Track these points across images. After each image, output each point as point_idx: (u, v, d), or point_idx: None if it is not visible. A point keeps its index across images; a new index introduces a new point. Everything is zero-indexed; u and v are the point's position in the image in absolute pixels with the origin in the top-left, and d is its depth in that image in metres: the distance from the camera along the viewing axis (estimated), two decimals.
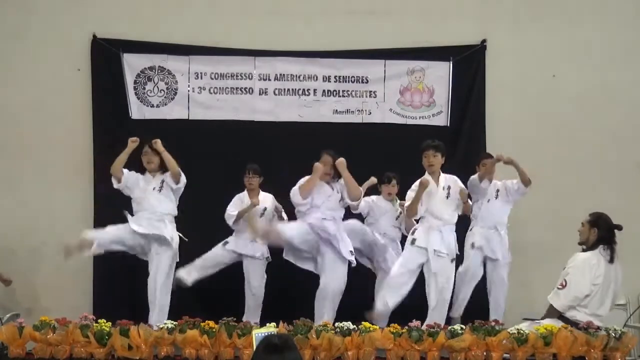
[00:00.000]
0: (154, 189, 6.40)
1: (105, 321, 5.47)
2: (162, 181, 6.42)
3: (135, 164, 6.51)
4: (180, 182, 6.39)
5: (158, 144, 6.37)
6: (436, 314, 6.11)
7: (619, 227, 5.74)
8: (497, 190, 6.79)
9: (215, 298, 6.92)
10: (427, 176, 6.39)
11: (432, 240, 6.26)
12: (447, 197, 6.38)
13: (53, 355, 5.35)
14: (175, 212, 6.50)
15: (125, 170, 6.42)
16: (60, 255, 7.40)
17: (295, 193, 6.39)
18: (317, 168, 6.34)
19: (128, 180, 6.42)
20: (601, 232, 5.73)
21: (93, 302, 7.28)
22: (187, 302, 6.77)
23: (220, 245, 6.89)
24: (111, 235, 6.30)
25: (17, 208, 7.49)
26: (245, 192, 6.91)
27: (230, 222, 6.84)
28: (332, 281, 6.26)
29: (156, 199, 6.39)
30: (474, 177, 6.72)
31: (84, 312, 5.78)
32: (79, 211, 7.52)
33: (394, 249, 6.80)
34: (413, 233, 6.40)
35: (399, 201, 6.86)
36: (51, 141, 7.58)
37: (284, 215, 6.86)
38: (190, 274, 6.64)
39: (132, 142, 6.39)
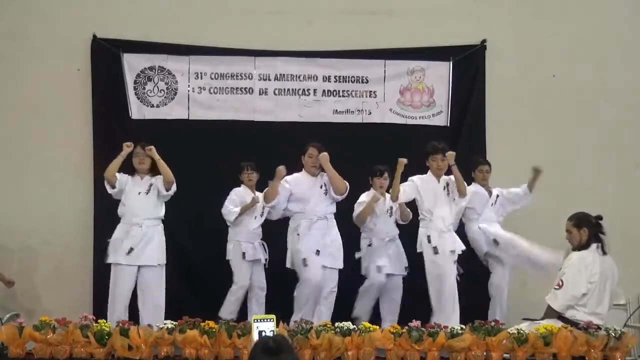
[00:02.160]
0: (139, 193, 6.35)
1: (105, 321, 5.47)
2: (151, 185, 6.37)
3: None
4: (171, 189, 6.34)
5: (153, 151, 6.33)
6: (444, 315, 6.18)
7: (600, 217, 5.77)
8: (497, 196, 6.85)
9: (215, 298, 6.92)
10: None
11: (449, 243, 6.36)
12: (448, 195, 6.46)
13: (53, 355, 5.34)
14: (161, 215, 6.44)
15: (118, 175, 6.38)
16: (60, 255, 7.47)
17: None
18: (279, 172, 6.37)
19: (121, 184, 6.38)
20: (591, 229, 5.74)
21: (93, 302, 7.27)
22: (187, 302, 6.79)
23: (239, 261, 6.77)
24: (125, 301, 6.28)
25: (17, 208, 7.49)
26: (242, 187, 6.88)
27: (231, 218, 6.76)
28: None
29: (141, 202, 6.33)
30: (481, 189, 6.84)
31: (84, 312, 5.77)
32: (79, 211, 7.51)
33: (397, 247, 6.77)
34: (429, 241, 6.41)
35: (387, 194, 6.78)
36: (51, 141, 7.58)
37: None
38: (232, 313, 6.56)
39: (127, 147, 6.35)
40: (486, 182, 6.90)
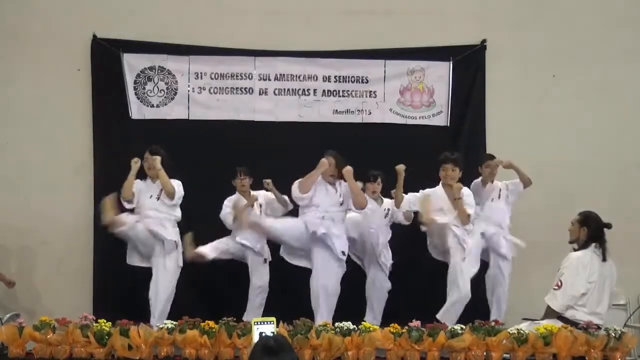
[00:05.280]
0: (151, 196, 6.40)
1: (105, 321, 5.47)
2: (161, 190, 6.40)
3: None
4: (175, 198, 6.38)
5: (156, 161, 6.36)
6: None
7: (609, 226, 5.74)
8: (500, 190, 6.86)
9: (215, 298, 6.92)
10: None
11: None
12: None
13: (53, 355, 5.34)
14: (177, 217, 6.48)
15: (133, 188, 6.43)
16: (60, 255, 7.47)
17: (295, 188, 6.34)
18: (323, 164, 6.26)
19: (137, 194, 6.44)
20: (591, 231, 5.73)
21: (93, 302, 7.28)
22: (187, 302, 6.78)
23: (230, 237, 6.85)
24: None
25: (17, 208, 7.49)
26: (236, 195, 6.88)
27: (229, 220, 6.80)
28: (324, 280, 6.20)
29: (155, 206, 6.38)
30: (477, 181, 6.83)
31: (84, 312, 5.77)
32: (79, 211, 7.52)
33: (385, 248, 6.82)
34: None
35: (383, 200, 6.85)
36: (51, 141, 7.58)
37: (289, 204, 6.74)
38: (211, 251, 6.61)
39: (135, 164, 6.40)
40: (493, 177, 6.89)
